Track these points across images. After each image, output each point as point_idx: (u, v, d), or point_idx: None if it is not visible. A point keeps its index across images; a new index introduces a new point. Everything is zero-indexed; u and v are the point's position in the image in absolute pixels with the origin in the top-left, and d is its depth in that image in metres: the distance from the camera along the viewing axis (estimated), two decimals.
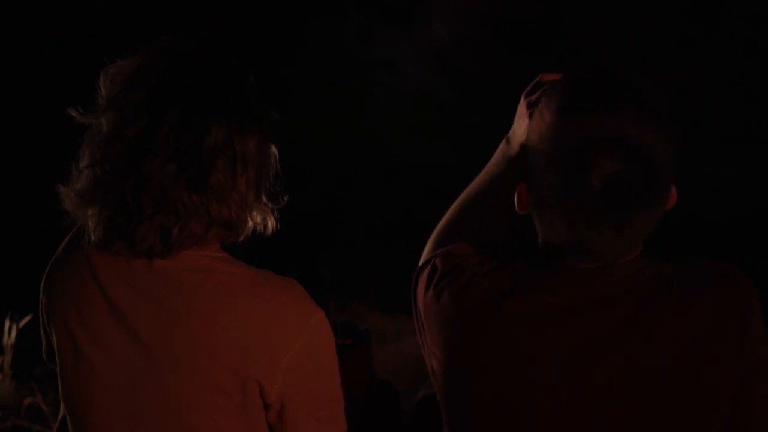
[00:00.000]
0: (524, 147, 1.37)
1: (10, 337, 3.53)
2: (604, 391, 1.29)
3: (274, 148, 1.39)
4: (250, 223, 1.39)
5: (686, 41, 6.45)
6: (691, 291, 1.30)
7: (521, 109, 1.48)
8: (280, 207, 1.43)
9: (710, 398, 1.29)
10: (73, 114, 1.35)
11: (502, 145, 1.58)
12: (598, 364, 1.29)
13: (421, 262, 1.52)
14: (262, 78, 1.39)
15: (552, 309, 1.31)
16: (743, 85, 6.22)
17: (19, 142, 5.29)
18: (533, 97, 1.45)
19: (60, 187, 1.35)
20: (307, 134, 5.85)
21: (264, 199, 1.40)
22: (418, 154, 6.03)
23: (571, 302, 1.31)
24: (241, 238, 1.39)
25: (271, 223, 1.42)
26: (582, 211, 1.26)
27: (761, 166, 5.63)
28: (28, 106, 5.39)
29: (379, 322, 4.10)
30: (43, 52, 5.75)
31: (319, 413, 1.38)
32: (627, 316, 1.29)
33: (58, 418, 1.56)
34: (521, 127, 1.45)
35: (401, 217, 5.29)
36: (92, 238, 1.33)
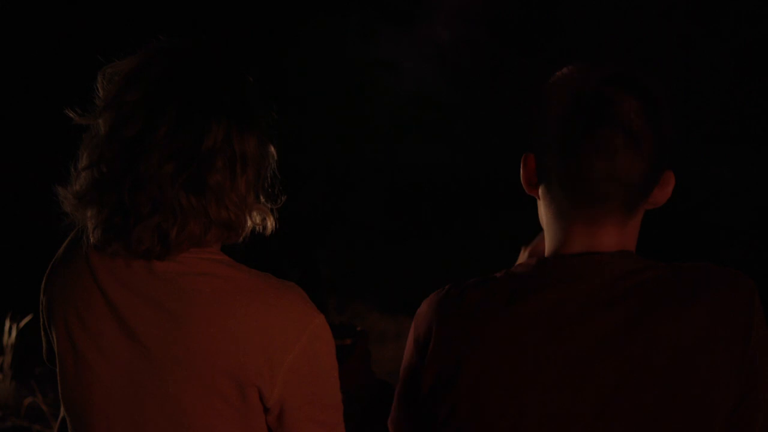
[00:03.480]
0: (529, 119, 1.40)
1: (10, 337, 3.53)
2: (604, 391, 1.29)
3: (272, 149, 1.39)
4: (250, 223, 1.38)
5: (687, 41, 6.45)
6: (691, 291, 1.30)
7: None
8: (280, 207, 1.43)
9: (710, 399, 1.29)
10: (71, 115, 1.34)
11: None
12: (598, 364, 1.29)
13: None
14: (262, 77, 1.39)
15: (551, 310, 1.31)
16: (743, 85, 6.22)
17: (19, 142, 5.28)
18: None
19: (59, 189, 1.35)
20: (307, 134, 5.84)
21: (263, 199, 1.40)
22: (418, 154, 6.03)
23: (571, 303, 1.31)
24: (241, 239, 1.39)
25: (270, 223, 1.41)
26: (582, 182, 1.28)
27: (761, 166, 5.63)
28: (28, 106, 5.39)
29: (379, 322, 4.09)
30: (43, 52, 5.75)
31: (318, 417, 1.38)
32: (627, 316, 1.29)
33: (58, 419, 1.55)
34: None
35: (401, 217, 5.29)
36: (91, 239, 1.33)
